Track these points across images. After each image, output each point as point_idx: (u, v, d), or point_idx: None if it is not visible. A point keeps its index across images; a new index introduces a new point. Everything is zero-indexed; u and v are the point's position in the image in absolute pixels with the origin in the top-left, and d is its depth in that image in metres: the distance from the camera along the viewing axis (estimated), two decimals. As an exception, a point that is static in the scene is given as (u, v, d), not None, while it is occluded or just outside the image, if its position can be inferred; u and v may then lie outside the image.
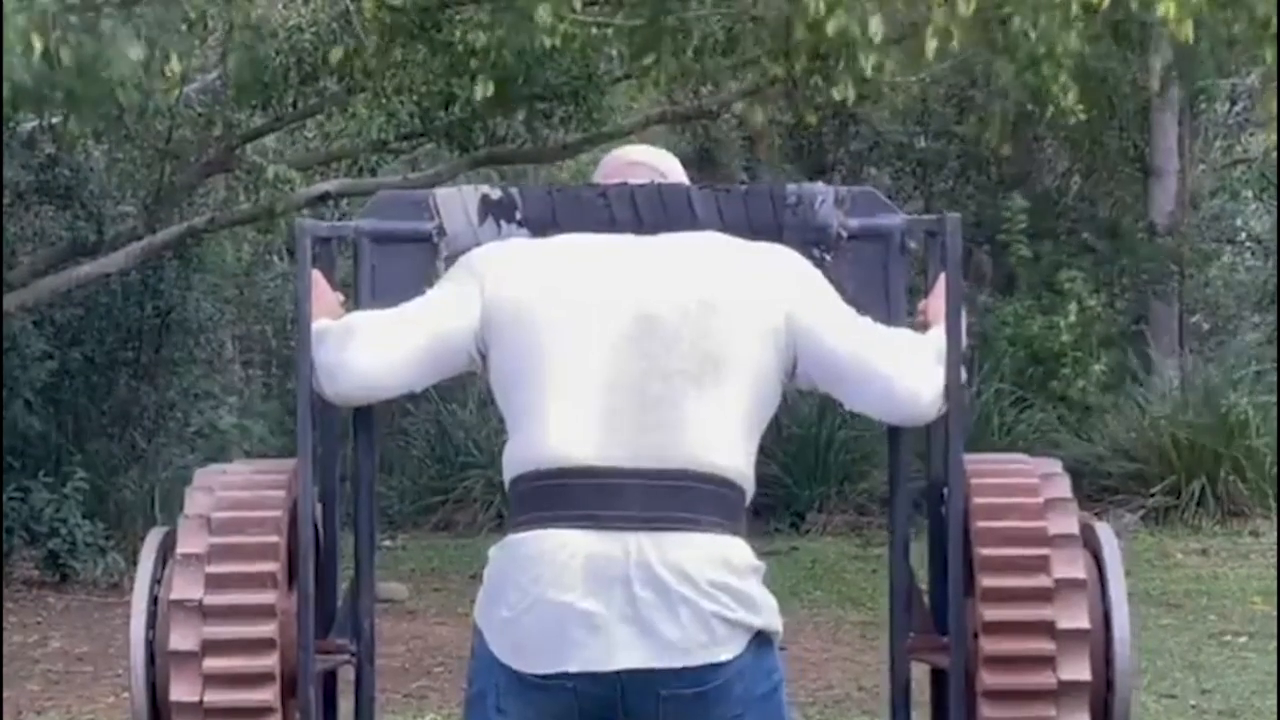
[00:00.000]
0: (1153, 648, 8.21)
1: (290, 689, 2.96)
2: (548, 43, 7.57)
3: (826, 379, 2.98)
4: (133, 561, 10.48)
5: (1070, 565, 2.92)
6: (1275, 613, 8.56)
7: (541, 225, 3.13)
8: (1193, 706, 7.16)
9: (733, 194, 3.17)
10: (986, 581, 2.91)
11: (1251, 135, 16.15)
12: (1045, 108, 8.97)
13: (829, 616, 9.20)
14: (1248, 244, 16.89)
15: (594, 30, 8.67)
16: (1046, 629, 2.89)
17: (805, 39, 7.29)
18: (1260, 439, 12.36)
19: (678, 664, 2.84)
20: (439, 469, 13.57)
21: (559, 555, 2.85)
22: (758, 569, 2.92)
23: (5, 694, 7.48)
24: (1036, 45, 7.73)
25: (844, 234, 3.15)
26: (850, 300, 3.04)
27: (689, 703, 2.87)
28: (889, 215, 3.20)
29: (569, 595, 2.83)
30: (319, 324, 3.04)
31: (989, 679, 2.90)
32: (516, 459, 2.94)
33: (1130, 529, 11.92)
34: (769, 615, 2.91)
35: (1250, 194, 16.50)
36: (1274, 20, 7.67)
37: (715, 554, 2.87)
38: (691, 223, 3.10)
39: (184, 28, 7.79)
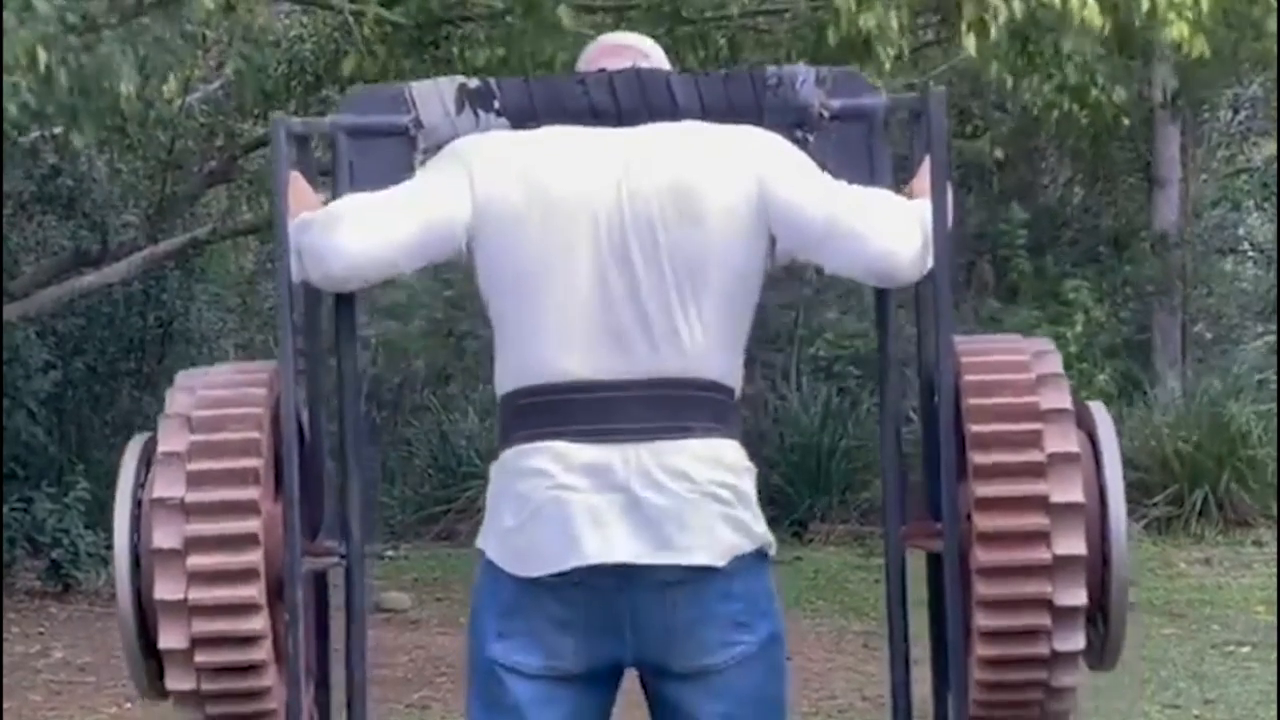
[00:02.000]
0: (1156, 657, 8.20)
1: (277, 590, 2.91)
2: (561, 58, 7.53)
3: (804, 245, 2.98)
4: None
5: (1063, 440, 2.85)
6: (1278, 622, 8.54)
7: (520, 115, 3.09)
8: (1196, 717, 7.15)
9: (712, 78, 3.14)
10: (978, 458, 2.85)
11: (1254, 145, 16.15)
12: (1051, 115, 8.96)
13: (832, 626, 9.19)
14: (1250, 253, 16.87)
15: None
16: (1040, 503, 2.82)
17: (839, 40, 7.23)
18: (1263, 448, 12.34)
19: (682, 560, 2.88)
20: (441, 478, 13.56)
21: (559, 464, 2.90)
22: (750, 469, 2.97)
23: (7, 705, 7.48)
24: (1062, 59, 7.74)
25: (826, 114, 3.12)
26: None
27: (693, 599, 2.90)
28: (872, 95, 3.16)
29: (572, 495, 2.88)
30: (302, 215, 2.99)
31: (983, 555, 2.84)
32: (510, 373, 2.98)
33: (1133, 539, 11.91)
34: (762, 524, 2.95)
35: (1253, 203, 16.49)
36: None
37: (710, 455, 2.92)
38: (671, 109, 3.07)
39: (183, 41, 7.77)
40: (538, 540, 2.90)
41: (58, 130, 10.05)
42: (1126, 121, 10.15)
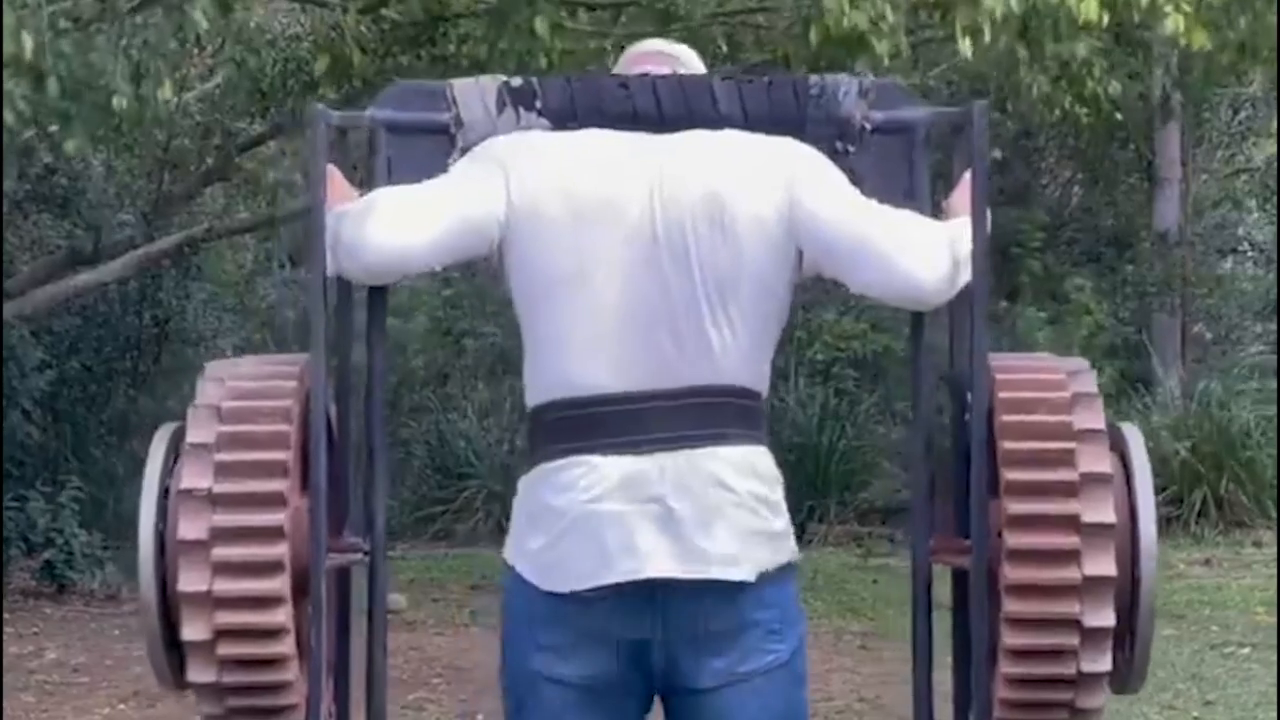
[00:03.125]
0: (1155, 659, 8.02)
1: (301, 584, 2.89)
2: (543, 61, 7.51)
3: (831, 263, 2.97)
4: (131, 573, 10.52)
5: (1096, 460, 2.85)
6: (1277, 624, 8.51)
7: (561, 115, 3.07)
8: (1195, 718, 7.11)
9: (756, 86, 3.10)
10: (1011, 475, 2.85)
11: (1254, 145, 16.11)
12: (1054, 113, 8.93)
13: (830, 627, 9.14)
14: (1250, 254, 16.83)
15: (592, 44, 8.62)
16: (1071, 523, 2.81)
17: (823, 41, 7.19)
18: (1263, 449, 12.31)
19: (715, 575, 2.88)
20: (439, 479, 13.52)
21: (592, 477, 2.89)
22: (779, 478, 2.99)
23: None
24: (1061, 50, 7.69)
25: (867, 126, 3.10)
26: (872, 194, 2.99)
27: (727, 610, 2.90)
28: (913, 108, 3.14)
29: (605, 509, 2.88)
30: (338, 207, 2.97)
31: (1012, 573, 2.83)
32: (540, 385, 2.97)
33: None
34: (791, 534, 3.00)
35: (1253, 203, 16.45)
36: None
37: (745, 463, 2.93)
38: (714, 115, 3.05)
39: (176, 45, 7.73)
40: (571, 556, 2.90)
41: (53, 129, 10.06)
42: (1120, 117, 10.11)
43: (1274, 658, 7.82)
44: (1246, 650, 8.37)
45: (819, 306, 14.90)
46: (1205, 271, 15.45)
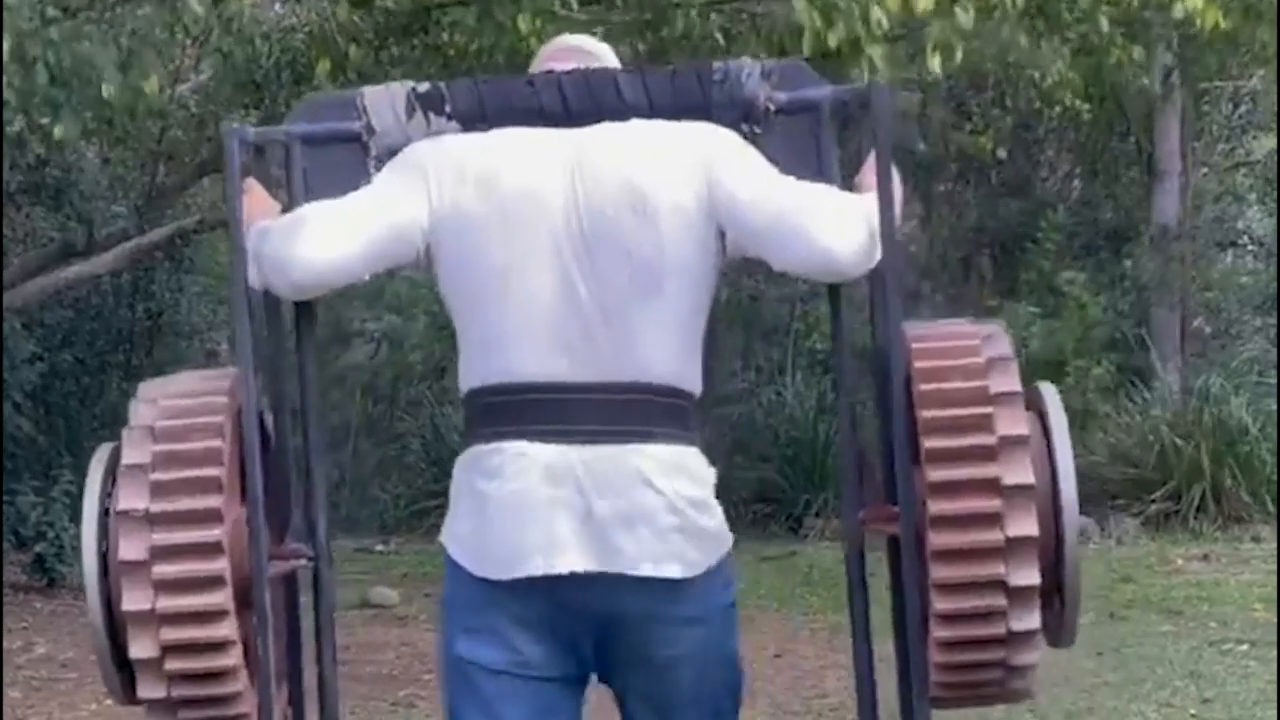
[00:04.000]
0: (1153, 655, 8.09)
1: (245, 596, 2.92)
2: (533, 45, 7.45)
3: (752, 242, 2.99)
4: (121, 566, 10.45)
5: (1013, 423, 2.87)
6: (1276, 620, 8.43)
7: (470, 118, 3.11)
8: (1193, 716, 7.03)
9: (659, 75, 3.15)
10: (930, 443, 2.87)
11: (1254, 138, 16.04)
12: (1052, 107, 8.90)
13: (825, 624, 9.06)
14: (1250, 247, 16.75)
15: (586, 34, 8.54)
16: (992, 486, 2.84)
17: (814, 44, 7.14)
18: (1262, 444, 12.23)
19: (631, 571, 2.91)
20: (434, 473, 13.46)
21: (519, 463, 2.92)
22: (712, 475, 3.01)
23: (-14, 701, 7.38)
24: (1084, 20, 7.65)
25: (772, 107, 3.13)
26: (784, 174, 3.02)
27: (647, 603, 2.93)
28: (818, 87, 3.17)
29: (529, 497, 2.91)
30: (261, 223, 2.99)
31: (937, 539, 2.86)
32: (473, 372, 3.00)
33: (1130, 535, 11.80)
34: (724, 531, 3.00)
35: (1253, 197, 16.37)
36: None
37: (673, 462, 2.95)
38: (620, 106, 3.09)
39: (166, 35, 7.67)
40: (493, 543, 2.94)
41: (44, 120, 9.99)
42: (1121, 107, 10.07)
43: (1273, 654, 7.74)
44: (1245, 647, 8.28)
45: (817, 298, 14.83)
46: (1205, 265, 15.36)
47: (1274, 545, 10.92)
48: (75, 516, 10.15)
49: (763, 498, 12.69)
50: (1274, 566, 9.89)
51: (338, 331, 14.99)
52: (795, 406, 13.33)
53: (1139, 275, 14.54)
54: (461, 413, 3.10)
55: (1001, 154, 11.71)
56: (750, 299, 14.64)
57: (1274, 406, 12.45)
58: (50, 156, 10.86)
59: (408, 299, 14.31)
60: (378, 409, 15.24)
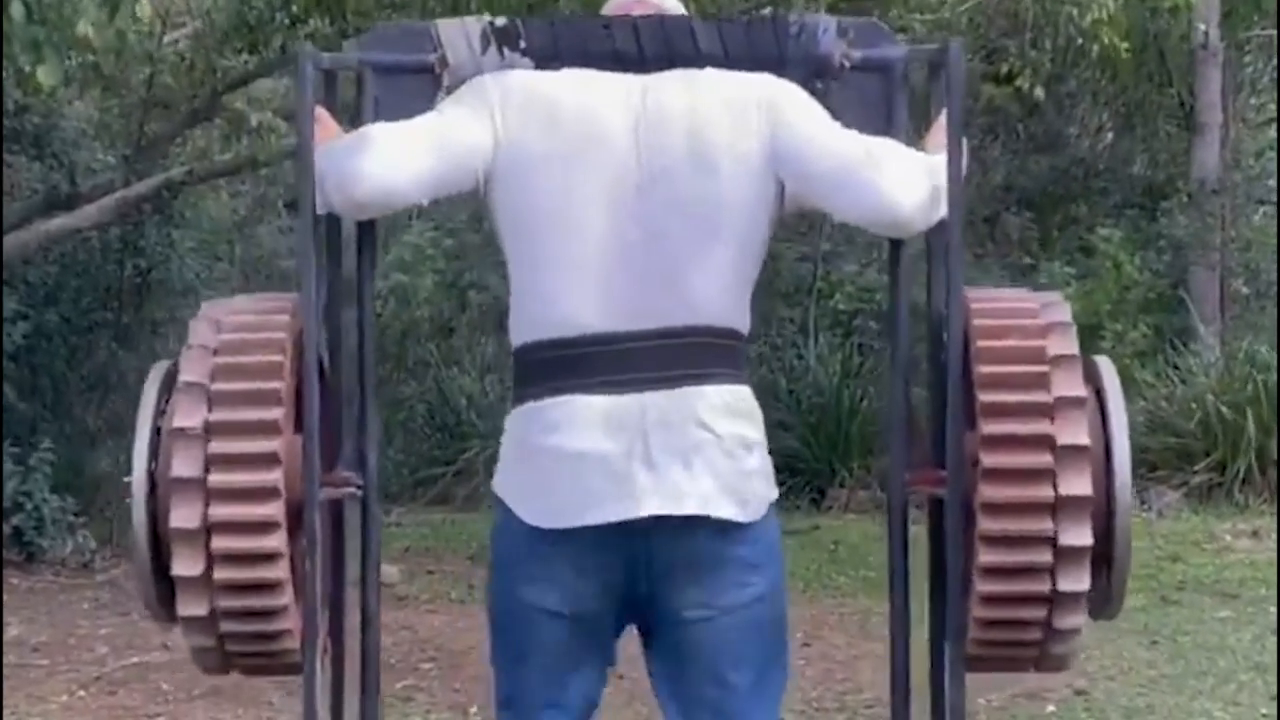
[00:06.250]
0: (1212, 645, 7.48)
1: (295, 516, 2.96)
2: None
3: (813, 192, 3.05)
4: (105, 541, 9.87)
5: (1070, 384, 2.92)
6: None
7: (544, 55, 3.14)
8: (1264, 716, 6.42)
9: (735, 25, 3.18)
10: (986, 397, 2.92)
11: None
12: (1091, 45, 8.34)
13: (855, 607, 8.45)
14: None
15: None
16: (1046, 443, 2.88)
17: None
18: (1310, 410, 11.58)
19: (698, 511, 2.96)
20: (439, 438, 12.89)
21: (577, 417, 2.97)
22: (759, 416, 3.07)
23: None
24: None
25: (846, 64, 3.17)
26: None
27: (711, 545, 2.99)
28: (893, 46, 3.22)
29: (591, 449, 2.95)
30: (327, 143, 3.04)
31: (988, 491, 2.89)
32: (526, 324, 3.04)
33: (1172, 508, 11.18)
34: (770, 470, 3.07)
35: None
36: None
37: (728, 403, 3.00)
38: (694, 55, 3.12)
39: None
40: (558, 494, 2.97)
41: (26, 64, 9.39)
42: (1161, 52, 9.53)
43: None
44: (1311, 636, 7.66)
45: (839, 259, 14.23)
46: (1243, 224, 14.71)
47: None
48: (56, 487, 9.63)
49: (784, 468, 12.02)
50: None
51: (345, 288, 14.41)
52: (819, 372, 12.70)
53: (1175, 233, 13.90)
54: (511, 366, 3.10)
55: (1039, 94, 11.04)
56: (770, 258, 14.02)
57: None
58: (29, 102, 10.24)
59: (414, 260, 13.71)
60: (383, 369, 14.64)
